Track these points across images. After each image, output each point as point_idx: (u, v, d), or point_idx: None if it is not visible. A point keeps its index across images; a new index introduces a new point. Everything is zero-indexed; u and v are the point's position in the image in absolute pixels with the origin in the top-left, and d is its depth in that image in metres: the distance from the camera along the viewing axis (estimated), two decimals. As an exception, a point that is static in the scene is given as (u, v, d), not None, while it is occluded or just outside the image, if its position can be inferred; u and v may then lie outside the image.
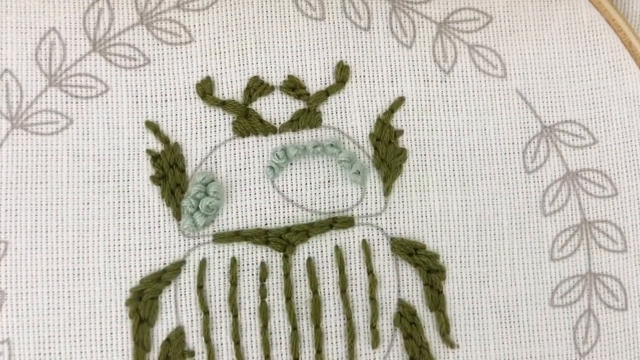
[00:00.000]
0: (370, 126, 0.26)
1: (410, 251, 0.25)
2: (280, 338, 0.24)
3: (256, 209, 0.25)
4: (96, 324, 0.24)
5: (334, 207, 0.25)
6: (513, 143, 0.26)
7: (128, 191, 0.25)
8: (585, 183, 0.26)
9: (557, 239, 0.26)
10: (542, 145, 0.26)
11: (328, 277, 0.25)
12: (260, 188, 0.25)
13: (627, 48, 0.27)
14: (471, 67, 0.27)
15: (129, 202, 0.25)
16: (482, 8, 0.27)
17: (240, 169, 0.25)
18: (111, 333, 0.24)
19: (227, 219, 0.25)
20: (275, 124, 0.26)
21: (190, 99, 0.26)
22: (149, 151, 0.25)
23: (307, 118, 0.26)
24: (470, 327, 0.25)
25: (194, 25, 0.26)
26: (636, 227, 0.26)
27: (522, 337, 0.25)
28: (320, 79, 0.26)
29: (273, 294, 0.24)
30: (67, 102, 0.25)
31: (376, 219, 0.25)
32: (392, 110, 0.26)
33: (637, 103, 0.27)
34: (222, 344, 0.24)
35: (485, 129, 0.26)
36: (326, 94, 0.26)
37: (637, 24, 0.28)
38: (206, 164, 0.25)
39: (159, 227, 0.25)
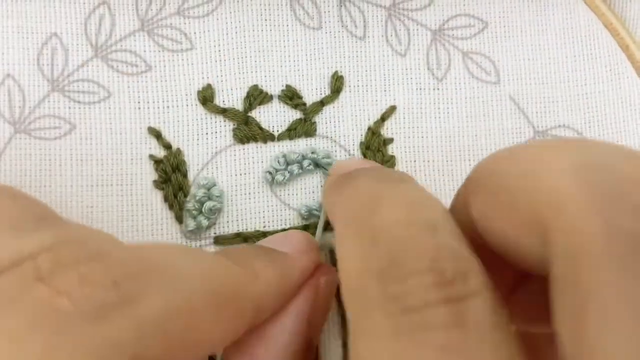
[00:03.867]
0: (362, 135, 0.28)
1: (401, 252, 0.27)
2: (279, 337, 0.27)
3: (255, 212, 0.27)
4: None
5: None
6: None
7: (131, 195, 0.27)
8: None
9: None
10: None
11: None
12: (259, 192, 0.27)
13: (624, 52, 0.29)
14: (464, 74, 0.29)
15: (132, 205, 0.27)
16: (478, 14, 0.29)
17: (240, 174, 0.27)
18: None
19: (228, 221, 0.27)
20: (273, 131, 0.28)
21: (192, 105, 0.27)
22: (151, 156, 0.27)
23: (304, 128, 0.28)
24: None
25: (195, 33, 0.28)
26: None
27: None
28: (316, 88, 0.28)
29: (271, 295, 0.27)
30: (69, 108, 0.27)
31: (367, 222, 0.27)
32: (383, 119, 0.28)
33: (632, 107, 0.29)
34: (222, 343, 0.27)
35: (476, 135, 0.28)
36: (321, 104, 0.28)
37: (634, 27, 0.29)
38: (207, 169, 0.27)
39: (162, 230, 0.27)
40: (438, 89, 0.28)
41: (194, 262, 0.19)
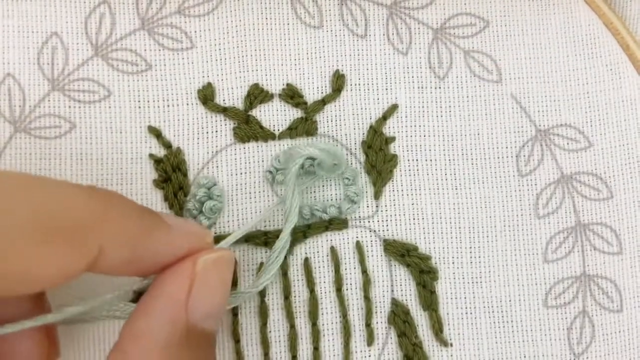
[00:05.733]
0: (363, 133, 0.28)
1: (402, 252, 0.27)
2: (279, 336, 0.26)
3: (256, 212, 0.27)
4: (101, 324, 0.26)
5: (328, 209, 0.27)
6: (506, 147, 0.28)
7: (131, 194, 0.27)
8: (580, 186, 0.28)
9: (550, 241, 0.28)
10: (536, 148, 0.28)
11: (324, 277, 0.27)
12: (259, 192, 0.27)
13: (624, 51, 0.29)
14: (466, 72, 0.29)
15: (132, 205, 0.27)
16: (479, 13, 0.29)
17: (241, 173, 0.27)
18: (115, 332, 0.26)
19: (228, 221, 0.27)
20: (274, 130, 0.28)
21: (192, 104, 0.27)
22: (151, 155, 0.27)
23: (305, 127, 0.27)
24: (463, 326, 0.27)
25: (195, 31, 0.28)
26: (632, 230, 0.28)
27: (515, 337, 0.27)
28: (317, 87, 0.28)
29: (272, 293, 0.27)
30: (69, 107, 0.27)
31: (369, 221, 0.27)
32: (384, 117, 0.28)
33: (633, 106, 0.29)
34: (222, 342, 0.26)
35: (478, 134, 0.28)
36: (323, 103, 0.28)
37: (635, 27, 0.30)
38: (208, 168, 0.27)
39: (162, 229, 0.27)
40: (440, 87, 0.28)
41: (27, 188, 0.18)
